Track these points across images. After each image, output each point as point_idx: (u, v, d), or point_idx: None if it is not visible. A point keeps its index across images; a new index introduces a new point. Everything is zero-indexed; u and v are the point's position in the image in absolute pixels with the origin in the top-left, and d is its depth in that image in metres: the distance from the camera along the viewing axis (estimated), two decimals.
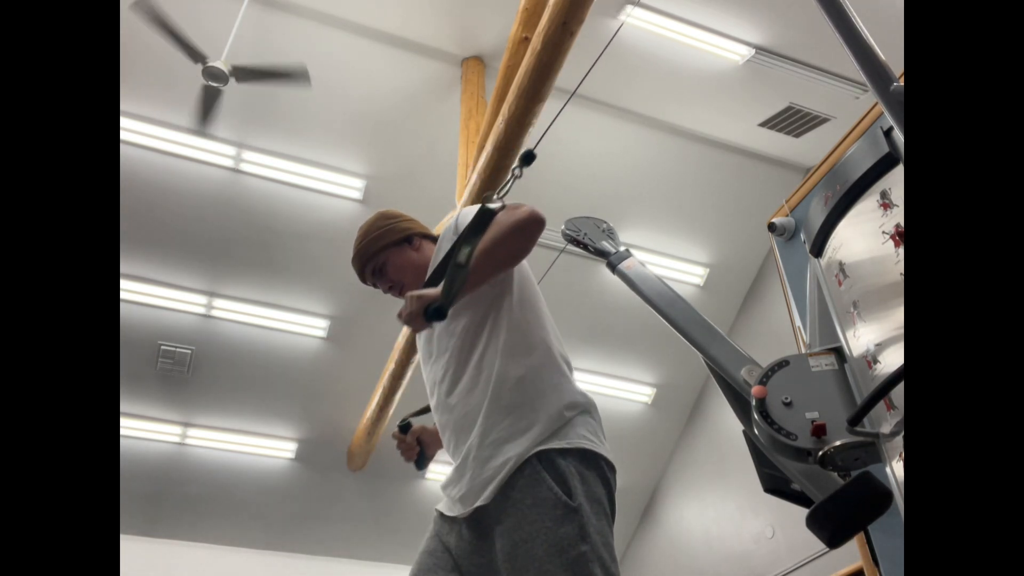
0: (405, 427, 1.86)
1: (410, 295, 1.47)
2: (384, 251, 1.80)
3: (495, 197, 1.55)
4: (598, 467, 1.50)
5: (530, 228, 1.55)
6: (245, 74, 4.41)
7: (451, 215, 1.76)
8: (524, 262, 1.72)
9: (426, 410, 1.86)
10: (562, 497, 1.40)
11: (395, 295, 1.83)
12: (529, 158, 1.63)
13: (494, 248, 1.52)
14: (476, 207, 1.66)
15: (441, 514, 1.61)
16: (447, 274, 1.46)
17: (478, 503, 1.48)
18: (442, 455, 1.81)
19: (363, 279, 1.85)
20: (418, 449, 1.83)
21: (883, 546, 1.82)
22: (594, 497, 1.44)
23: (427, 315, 1.45)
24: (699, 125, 5.88)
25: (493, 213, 1.51)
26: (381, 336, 5.93)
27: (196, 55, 4.25)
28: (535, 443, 1.47)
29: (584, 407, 1.57)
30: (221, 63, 4.31)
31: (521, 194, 6.02)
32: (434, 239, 1.87)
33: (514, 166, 1.63)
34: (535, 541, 1.36)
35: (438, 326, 1.65)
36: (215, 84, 4.37)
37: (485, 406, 1.54)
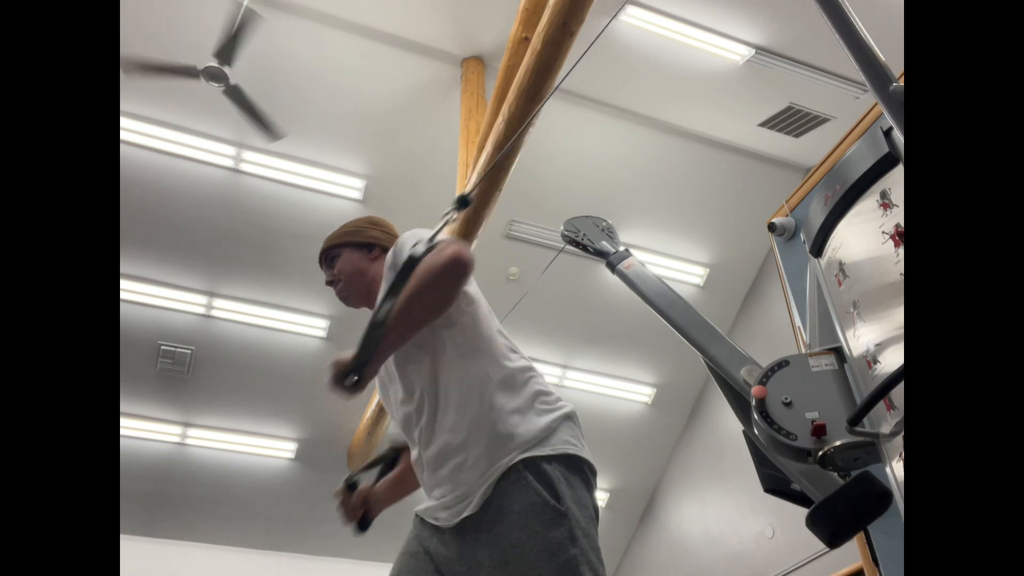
0: (352, 485, 1.69)
1: (330, 362, 1.44)
2: (343, 247, 1.81)
3: (425, 244, 1.47)
4: (581, 472, 1.50)
5: (453, 273, 1.46)
6: (237, 96, 4.57)
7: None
8: (472, 284, 1.66)
9: (375, 464, 1.82)
10: (550, 501, 1.40)
11: (333, 290, 1.83)
12: (463, 202, 1.55)
13: (413, 300, 1.44)
14: (416, 232, 1.61)
15: (422, 519, 1.59)
16: (364, 335, 1.41)
17: (465, 514, 1.47)
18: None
19: (319, 262, 1.86)
20: (362, 512, 1.72)
21: (883, 546, 1.82)
22: (581, 501, 1.45)
23: (344, 381, 1.41)
24: (699, 125, 5.88)
25: (418, 261, 1.44)
26: None
27: (227, 57, 4.37)
28: (520, 451, 1.47)
29: (565, 414, 1.56)
30: (226, 69, 4.39)
31: (522, 195, 5.98)
32: None
33: (448, 210, 1.53)
34: (526, 546, 1.36)
35: (392, 362, 1.60)
36: (211, 82, 4.44)
37: (465, 426, 1.51)
